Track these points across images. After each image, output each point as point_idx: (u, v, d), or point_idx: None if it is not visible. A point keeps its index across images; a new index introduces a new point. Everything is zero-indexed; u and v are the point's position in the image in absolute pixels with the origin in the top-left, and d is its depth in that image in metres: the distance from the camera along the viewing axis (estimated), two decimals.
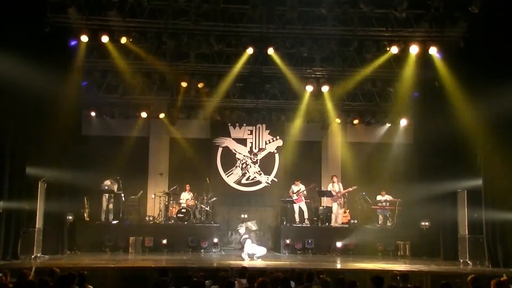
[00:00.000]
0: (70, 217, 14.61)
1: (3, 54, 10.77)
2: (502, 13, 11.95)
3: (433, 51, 13.87)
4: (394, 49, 13.88)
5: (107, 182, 16.20)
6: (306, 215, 16.27)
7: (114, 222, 15.86)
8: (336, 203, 16.41)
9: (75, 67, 13.94)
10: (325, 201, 16.83)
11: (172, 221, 15.96)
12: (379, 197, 16.55)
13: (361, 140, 18.49)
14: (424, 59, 14.49)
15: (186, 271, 9.98)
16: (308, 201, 16.47)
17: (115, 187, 16.23)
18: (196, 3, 12.47)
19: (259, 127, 18.45)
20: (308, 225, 16.14)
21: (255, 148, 18.41)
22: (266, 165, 18.34)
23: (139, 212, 16.83)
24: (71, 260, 12.69)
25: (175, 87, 16.30)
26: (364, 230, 15.87)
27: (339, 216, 16.36)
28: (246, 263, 12.15)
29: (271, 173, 18.33)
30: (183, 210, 15.89)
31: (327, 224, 16.30)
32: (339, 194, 16.33)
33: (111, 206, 16.18)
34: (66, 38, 13.53)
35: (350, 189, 16.52)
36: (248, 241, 13.72)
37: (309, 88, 15.99)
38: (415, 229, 15.56)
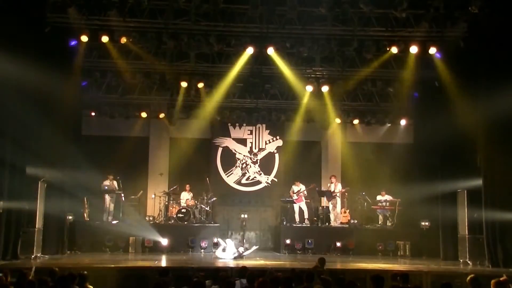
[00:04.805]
0: (70, 217, 14.62)
1: (3, 54, 10.76)
2: (502, 13, 11.94)
3: (433, 51, 13.86)
4: (394, 49, 13.85)
5: (106, 182, 16.19)
6: (306, 215, 16.27)
7: (114, 222, 15.86)
8: (330, 202, 16.42)
9: (75, 67, 13.99)
10: (325, 201, 16.84)
11: (172, 221, 15.96)
12: (379, 197, 16.57)
13: (361, 140, 18.49)
14: (424, 59, 14.48)
15: (186, 271, 9.98)
16: (308, 201, 16.47)
17: (115, 185, 16.24)
18: (196, 3, 12.44)
19: (259, 127, 18.44)
20: (308, 225, 16.15)
21: (255, 148, 18.40)
22: (266, 165, 18.33)
23: (139, 212, 16.83)
24: (71, 260, 12.68)
25: (175, 87, 16.30)
26: (364, 230, 15.88)
27: (338, 216, 16.37)
28: (246, 262, 12.13)
29: (271, 173, 18.32)
30: (183, 210, 15.88)
31: (327, 224, 16.30)
32: (333, 194, 16.34)
33: (112, 207, 16.18)
34: (66, 38, 13.55)
35: (343, 190, 16.54)
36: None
37: (309, 88, 15.98)
38: (415, 229, 15.57)
